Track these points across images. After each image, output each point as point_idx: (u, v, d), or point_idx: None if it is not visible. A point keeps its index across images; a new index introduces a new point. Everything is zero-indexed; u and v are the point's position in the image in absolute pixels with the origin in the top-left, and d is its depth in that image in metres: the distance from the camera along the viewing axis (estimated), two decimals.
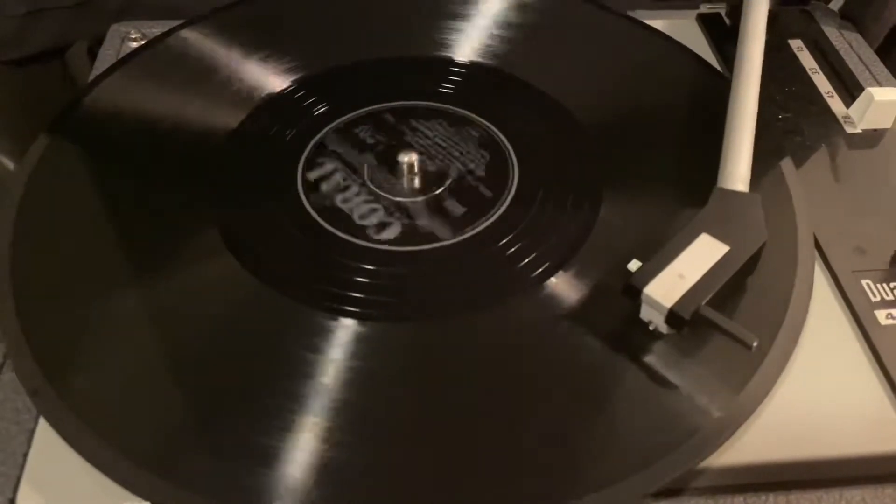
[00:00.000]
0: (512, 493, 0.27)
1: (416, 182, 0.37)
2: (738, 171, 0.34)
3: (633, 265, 0.30)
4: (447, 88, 0.42)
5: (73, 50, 0.55)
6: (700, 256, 0.30)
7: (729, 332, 0.29)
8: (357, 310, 0.32)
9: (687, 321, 0.29)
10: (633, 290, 0.30)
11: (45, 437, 0.29)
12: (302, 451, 0.27)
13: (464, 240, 0.35)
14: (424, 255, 0.34)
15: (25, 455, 0.29)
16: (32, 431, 0.29)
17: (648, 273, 0.30)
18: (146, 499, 0.26)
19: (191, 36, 0.44)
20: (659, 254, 0.31)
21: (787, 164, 0.37)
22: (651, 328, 0.30)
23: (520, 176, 0.37)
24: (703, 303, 0.29)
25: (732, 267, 0.30)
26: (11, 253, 0.33)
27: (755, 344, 0.28)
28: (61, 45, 0.54)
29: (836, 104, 0.43)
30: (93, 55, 0.53)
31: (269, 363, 0.30)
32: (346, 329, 0.31)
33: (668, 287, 0.29)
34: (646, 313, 0.30)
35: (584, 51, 0.45)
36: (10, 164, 0.53)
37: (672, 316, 0.29)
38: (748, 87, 0.38)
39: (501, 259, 0.34)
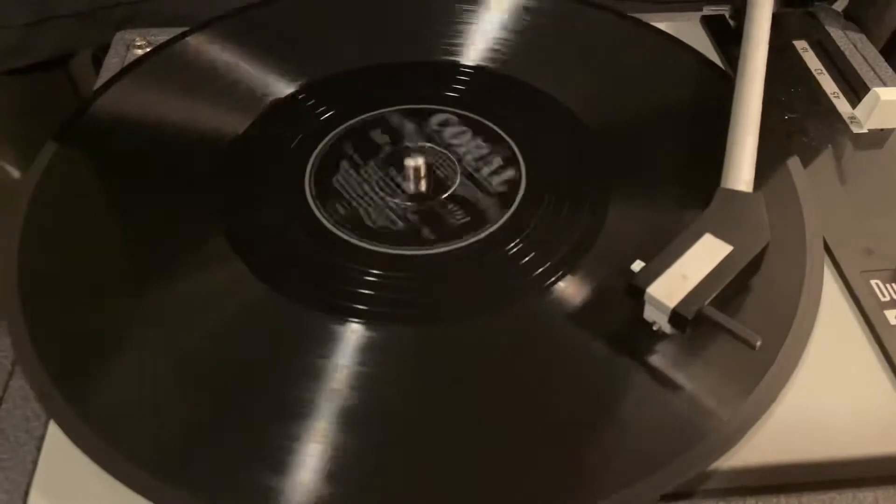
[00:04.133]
0: (522, 498, 0.27)
1: (424, 186, 0.37)
2: (741, 171, 0.34)
3: (637, 265, 0.30)
4: (453, 92, 0.42)
5: (78, 59, 0.55)
6: (703, 256, 0.30)
7: (732, 331, 0.29)
8: (365, 314, 0.32)
9: (690, 321, 0.29)
10: (636, 291, 0.30)
11: (55, 443, 0.29)
12: (311, 455, 0.27)
13: (471, 244, 0.35)
14: (432, 259, 0.34)
15: (35, 462, 0.29)
16: (42, 438, 0.29)
17: (652, 273, 0.30)
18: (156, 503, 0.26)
19: (196, 42, 0.44)
20: (662, 254, 0.31)
21: (794, 165, 0.37)
22: (655, 328, 0.30)
23: (527, 179, 0.37)
24: (707, 303, 0.29)
25: (736, 267, 0.30)
26: (19, 260, 0.33)
27: (759, 343, 0.28)
28: (65, 53, 0.54)
29: (841, 105, 0.43)
30: (97, 64, 0.53)
31: (276, 367, 0.30)
32: (354, 333, 0.31)
33: (671, 287, 0.29)
34: (649, 313, 0.30)
35: (589, 54, 0.45)
36: (16, 173, 0.53)
37: (675, 316, 0.29)
38: (751, 87, 0.38)
39: (509, 263, 0.34)
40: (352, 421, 0.28)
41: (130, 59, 0.46)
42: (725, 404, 0.29)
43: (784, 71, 0.44)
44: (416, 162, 0.37)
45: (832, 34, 0.48)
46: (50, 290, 0.33)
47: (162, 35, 0.47)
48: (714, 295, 0.29)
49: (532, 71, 0.43)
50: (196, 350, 0.31)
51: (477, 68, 0.43)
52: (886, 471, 0.29)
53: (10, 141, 0.53)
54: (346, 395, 0.29)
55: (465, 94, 0.42)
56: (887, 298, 0.33)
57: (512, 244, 0.35)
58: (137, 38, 0.48)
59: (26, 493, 0.28)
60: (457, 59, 0.44)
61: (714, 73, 0.43)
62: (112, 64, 0.46)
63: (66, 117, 0.40)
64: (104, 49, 0.48)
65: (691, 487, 0.28)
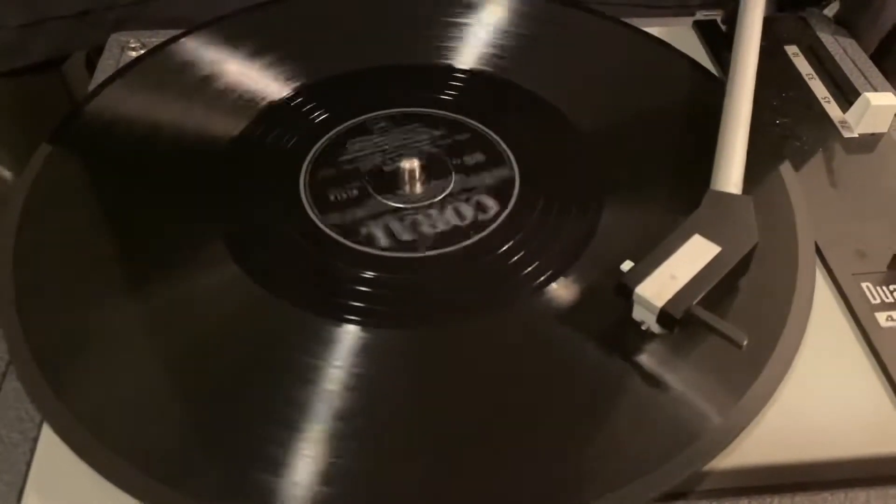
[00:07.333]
0: (516, 499, 0.27)
1: (417, 189, 0.37)
2: (730, 173, 0.35)
3: (626, 265, 0.31)
4: (448, 96, 0.42)
5: (72, 61, 0.55)
6: (692, 257, 0.31)
7: (720, 331, 0.29)
8: (360, 317, 0.32)
9: (678, 320, 0.29)
10: (624, 290, 0.30)
11: (49, 445, 0.29)
12: (306, 457, 0.27)
13: (465, 246, 0.35)
14: (426, 261, 0.34)
15: (29, 464, 0.28)
16: (36, 440, 0.29)
17: (640, 273, 0.30)
18: None
19: (191, 44, 0.44)
20: (651, 254, 0.31)
21: (786, 169, 0.38)
22: (643, 328, 0.30)
23: (521, 183, 0.38)
24: (695, 302, 0.29)
25: (724, 268, 0.30)
26: (14, 262, 0.33)
27: (745, 342, 0.28)
28: (59, 55, 0.54)
29: (832, 109, 0.43)
30: (91, 66, 0.53)
31: (271, 370, 0.30)
32: (348, 336, 0.31)
33: (659, 287, 0.30)
34: (638, 313, 0.30)
35: (583, 58, 0.45)
36: (8, 175, 0.53)
37: (663, 315, 0.29)
38: (742, 90, 0.38)
39: (503, 266, 0.34)
40: (348, 422, 0.28)
41: (125, 61, 0.46)
42: (719, 405, 0.29)
43: (775, 75, 0.45)
44: (410, 164, 0.37)
45: (823, 39, 0.48)
46: (44, 292, 0.33)
47: (156, 38, 0.47)
48: (702, 295, 0.29)
49: (526, 75, 0.43)
50: (191, 352, 0.31)
51: (472, 72, 0.44)
52: (878, 471, 0.29)
53: (3, 143, 0.53)
54: (342, 397, 0.29)
55: (459, 97, 0.42)
56: (878, 301, 0.33)
57: (506, 247, 0.35)
58: (132, 41, 0.48)
59: (20, 495, 0.28)
60: (452, 62, 0.44)
61: (706, 77, 0.44)
62: (107, 66, 0.46)
63: (60, 119, 0.40)
64: (98, 51, 0.48)
65: (685, 488, 0.28)
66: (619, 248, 0.33)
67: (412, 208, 0.36)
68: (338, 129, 0.40)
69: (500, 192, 0.37)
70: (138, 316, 0.32)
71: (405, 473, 0.28)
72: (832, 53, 0.47)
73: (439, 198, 0.37)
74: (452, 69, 0.44)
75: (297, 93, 0.42)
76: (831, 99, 0.44)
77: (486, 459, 0.28)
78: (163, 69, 0.43)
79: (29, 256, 0.34)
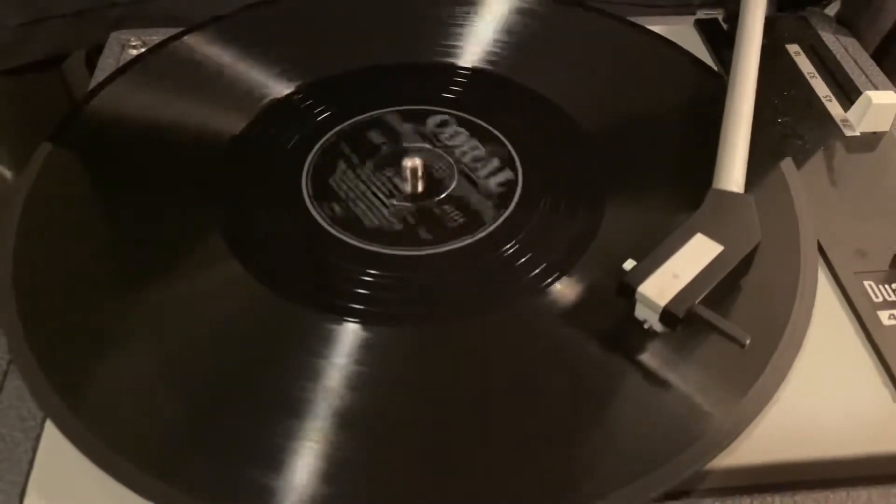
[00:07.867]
0: (517, 498, 0.27)
1: (420, 187, 0.37)
2: (732, 172, 0.35)
3: (628, 264, 0.31)
4: (451, 94, 0.42)
5: (71, 59, 0.55)
6: (694, 256, 0.31)
7: (722, 330, 0.29)
8: (361, 315, 0.32)
9: (681, 319, 0.29)
10: (627, 289, 0.30)
11: (51, 443, 0.29)
12: (307, 454, 0.27)
13: (467, 244, 0.35)
14: (428, 259, 0.34)
15: (31, 463, 0.28)
16: (38, 439, 0.29)
17: (643, 272, 0.30)
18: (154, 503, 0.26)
19: (193, 42, 0.44)
20: (654, 253, 0.31)
21: (788, 168, 0.38)
22: (646, 327, 0.30)
23: (523, 181, 0.38)
24: (697, 301, 0.29)
25: (726, 267, 0.31)
26: (15, 260, 0.33)
27: (748, 342, 0.28)
28: (59, 54, 0.54)
29: (834, 108, 0.43)
30: (90, 65, 0.53)
31: (273, 367, 0.30)
32: (349, 333, 0.31)
33: (662, 286, 0.30)
34: (640, 312, 0.30)
35: (585, 56, 0.45)
36: (8, 174, 0.53)
37: (666, 314, 0.29)
38: (743, 89, 0.38)
39: (505, 264, 0.34)
40: (348, 420, 0.28)
41: (125, 59, 0.46)
42: (721, 404, 0.29)
43: (777, 74, 0.45)
44: (413, 163, 0.37)
45: (824, 38, 0.48)
46: (46, 290, 0.33)
47: (157, 36, 0.46)
48: (704, 294, 0.30)
49: (528, 73, 0.43)
50: (193, 350, 0.31)
51: (474, 70, 0.44)
52: (880, 470, 0.29)
53: (2, 142, 0.53)
54: (343, 395, 0.29)
55: (462, 95, 0.42)
56: (880, 299, 0.33)
57: (508, 245, 0.35)
58: (132, 39, 0.47)
59: (22, 494, 0.28)
60: (454, 60, 0.44)
61: (708, 75, 0.44)
62: (107, 64, 0.46)
63: (60, 118, 0.40)
64: (98, 50, 0.48)
65: (687, 487, 0.28)
66: (621, 246, 0.33)
67: (415, 206, 0.36)
68: (340, 126, 0.40)
69: (503, 190, 0.37)
70: (139, 314, 0.32)
71: (405, 472, 0.28)
72: (833, 52, 0.47)
73: (441, 196, 0.37)
74: (455, 67, 0.44)
75: (298, 91, 0.42)
76: (833, 97, 0.44)
77: (487, 458, 0.28)
78: (163, 67, 0.43)
79: (29, 256, 0.34)
